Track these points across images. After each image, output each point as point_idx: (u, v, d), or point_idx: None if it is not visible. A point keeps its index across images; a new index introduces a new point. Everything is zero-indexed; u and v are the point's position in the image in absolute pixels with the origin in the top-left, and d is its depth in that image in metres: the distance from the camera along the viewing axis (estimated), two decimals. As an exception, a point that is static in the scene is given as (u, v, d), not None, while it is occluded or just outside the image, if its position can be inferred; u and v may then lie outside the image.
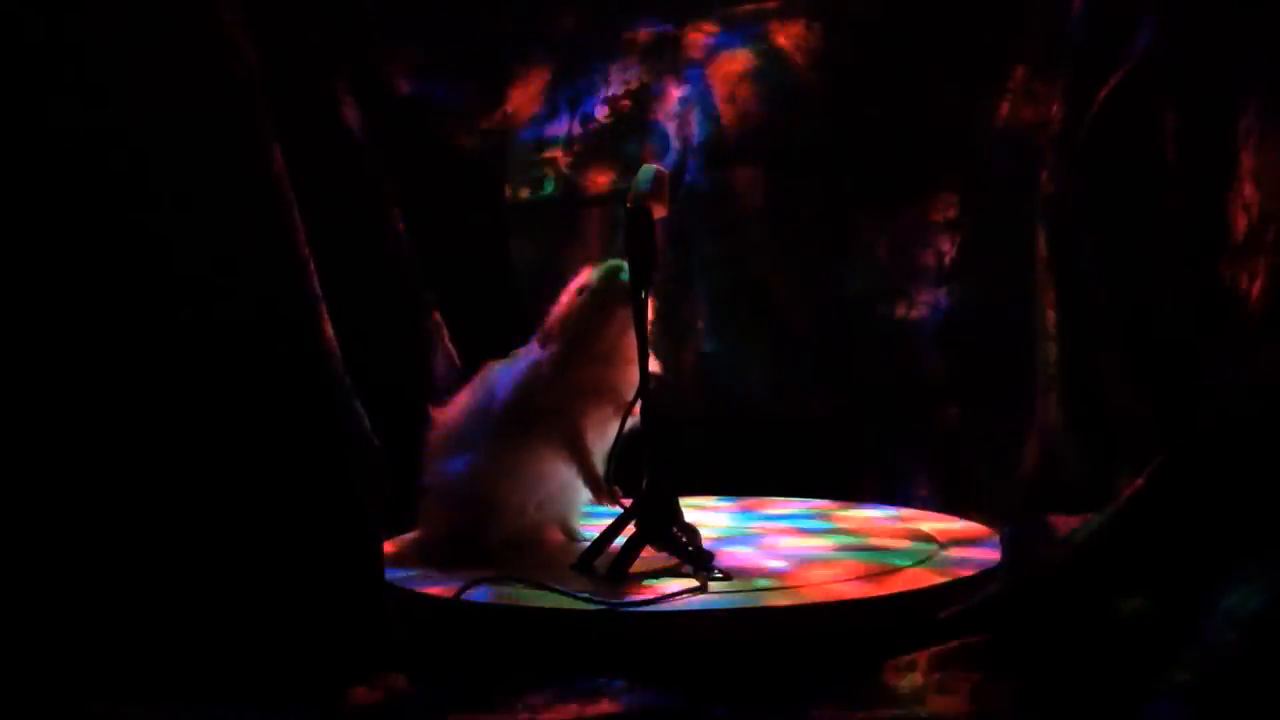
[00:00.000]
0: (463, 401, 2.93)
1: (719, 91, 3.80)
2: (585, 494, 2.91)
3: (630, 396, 2.75)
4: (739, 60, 3.81)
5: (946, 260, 3.54)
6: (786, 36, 3.77)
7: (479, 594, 2.47)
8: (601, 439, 2.82)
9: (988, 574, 2.58)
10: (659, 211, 2.68)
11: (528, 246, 3.82)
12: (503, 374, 2.88)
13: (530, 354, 2.86)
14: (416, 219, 3.61)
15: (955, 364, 3.50)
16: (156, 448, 2.20)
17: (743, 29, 3.85)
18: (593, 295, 2.79)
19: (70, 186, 2.17)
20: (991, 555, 2.72)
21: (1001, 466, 3.21)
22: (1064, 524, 2.55)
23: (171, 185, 2.23)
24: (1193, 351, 2.45)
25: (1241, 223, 2.37)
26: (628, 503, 2.73)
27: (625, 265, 2.70)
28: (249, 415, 2.25)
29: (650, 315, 2.72)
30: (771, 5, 3.82)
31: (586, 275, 2.84)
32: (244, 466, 2.24)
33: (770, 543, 2.96)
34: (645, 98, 3.87)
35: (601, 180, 3.85)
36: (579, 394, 2.80)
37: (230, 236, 2.27)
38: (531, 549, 2.85)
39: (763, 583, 2.54)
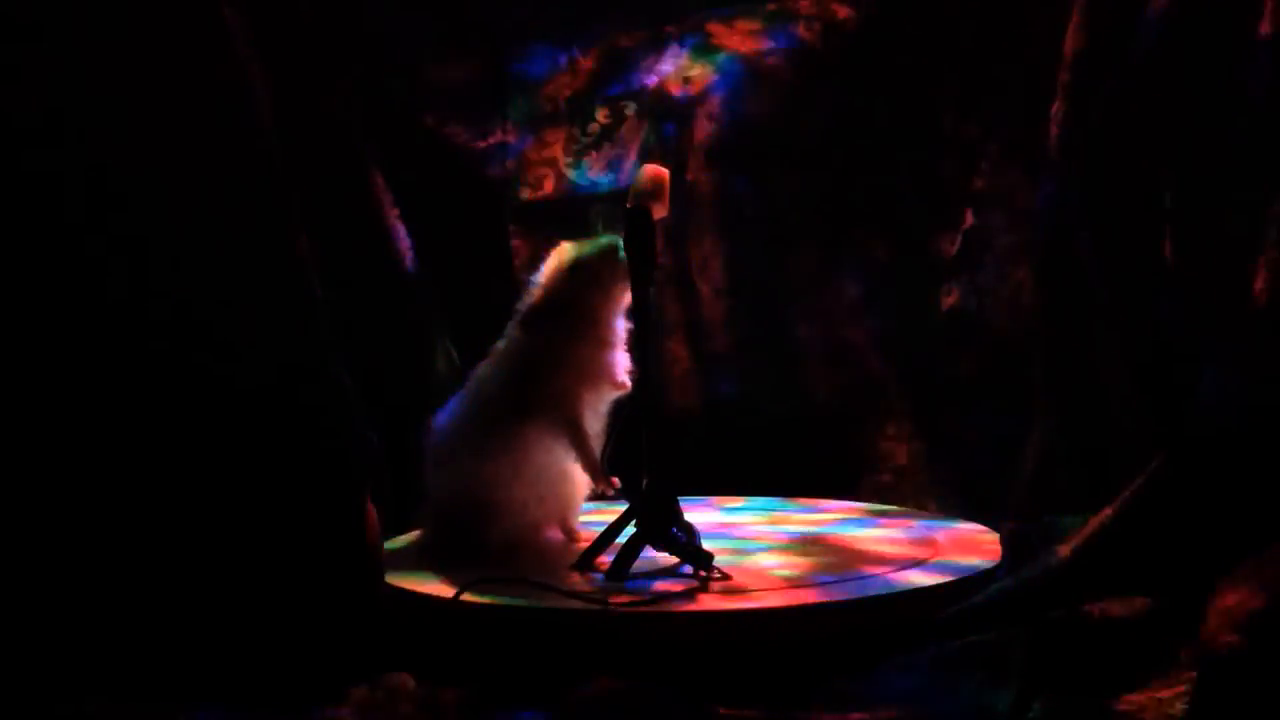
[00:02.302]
0: (456, 404, 2.92)
1: (721, 91, 3.80)
2: (585, 491, 2.91)
3: (626, 378, 2.76)
4: (741, 61, 3.81)
5: (948, 259, 3.54)
6: (789, 37, 3.77)
7: (476, 593, 2.47)
8: (598, 421, 2.83)
9: (988, 574, 2.58)
10: (659, 211, 2.68)
11: (528, 246, 3.82)
12: (489, 367, 2.87)
13: (512, 340, 2.85)
14: (416, 219, 3.61)
15: (957, 363, 3.50)
16: (156, 449, 2.20)
17: (745, 30, 3.85)
18: (591, 274, 2.79)
19: (70, 184, 2.17)
20: (991, 555, 2.72)
21: (1003, 466, 3.21)
22: (1064, 524, 2.55)
23: (169, 186, 2.23)
24: (1193, 351, 2.44)
25: (1242, 223, 2.37)
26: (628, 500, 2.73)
27: (621, 243, 2.70)
28: (248, 416, 2.25)
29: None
30: (773, 6, 3.82)
31: (567, 254, 2.83)
32: (244, 467, 2.24)
33: (772, 544, 2.96)
34: (647, 98, 3.87)
35: (602, 180, 3.85)
36: (576, 376, 2.79)
37: (228, 239, 2.27)
38: (531, 549, 2.85)
39: (762, 583, 2.55)
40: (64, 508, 2.15)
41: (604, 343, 2.81)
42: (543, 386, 2.77)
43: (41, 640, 2.11)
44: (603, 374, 2.81)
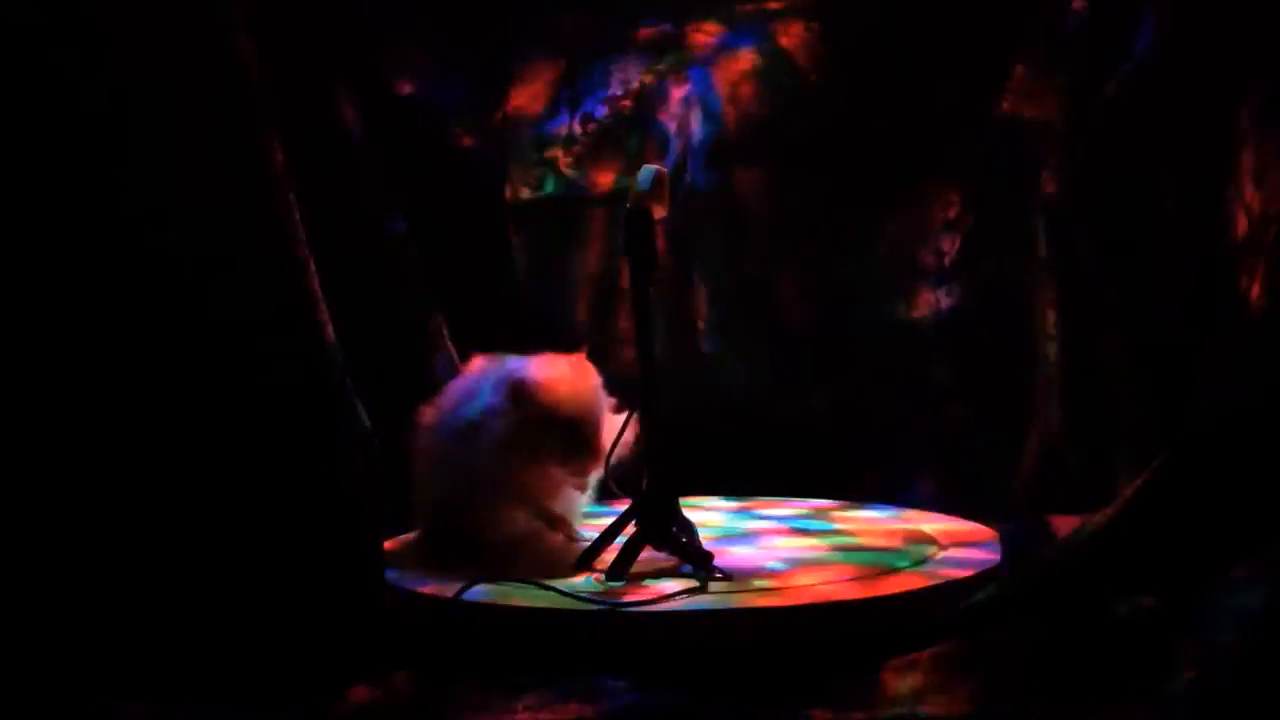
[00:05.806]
0: (440, 406, 2.90)
1: (720, 91, 3.80)
2: (584, 494, 2.89)
3: (586, 479, 2.73)
4: (740, 60, 3.81)
5: (947, 260, 3.54)
6: (788, 36, 3.76)
7: (476, 593, 2.47)
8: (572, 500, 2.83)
9: (988, 574, 2.58)
10: (659, 211, 2.68)
11: (528, 246, 3.82)
12: (465, 400, 2.83)
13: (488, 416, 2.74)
14: (416, 219, 3.61)
15: (956, 363, 3.50)
16: (157, 449, 2.20)
17: (744, 29, 3.85)
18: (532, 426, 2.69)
19: (65, 182, 2.17)
20: (991, 555, 2.72)
21: (1003, 466, 3.21)
22: (1064, 524, 2.55)
23: (169, 184, 2.23)
24: (1193, 351, 2.45)
25: (1242, 223, 2.37)
26: (629, 502, 2.73)
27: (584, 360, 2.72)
28: (249, 417, 2.25)
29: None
30: (773, 5, 3.82)
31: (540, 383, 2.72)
32: (244, 467, 2.24)
33: (770, 543, 2.96)
34: (646, 97, 3.87)
35: (602, 180, 3.85)
36: (533, 479, 2.76)
37: (228, 237, 2.27)
38: (532, 549, 2.84)
39: (762, 583, 2.54)
40: (64, 508, 2.14)
41: (573, 454, 2.71)
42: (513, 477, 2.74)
43: (44, 642, 2.11)
44: (568, 475, 2.75)
